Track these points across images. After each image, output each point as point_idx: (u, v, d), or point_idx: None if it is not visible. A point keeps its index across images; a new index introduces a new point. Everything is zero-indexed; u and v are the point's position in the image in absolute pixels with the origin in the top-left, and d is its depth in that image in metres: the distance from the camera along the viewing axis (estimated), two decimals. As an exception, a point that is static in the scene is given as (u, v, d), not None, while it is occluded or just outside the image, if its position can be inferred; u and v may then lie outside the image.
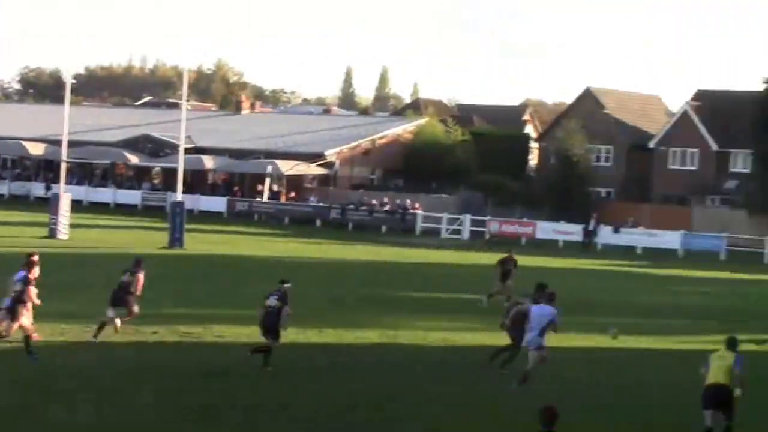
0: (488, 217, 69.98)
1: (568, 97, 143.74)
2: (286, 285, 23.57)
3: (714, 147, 76.88)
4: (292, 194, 77.77)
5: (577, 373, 24.63)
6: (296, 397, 20.76)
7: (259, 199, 76.81)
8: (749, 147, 70.94)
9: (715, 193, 76.05)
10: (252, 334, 24.97)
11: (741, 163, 76.31)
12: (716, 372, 18.14)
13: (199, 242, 52.21)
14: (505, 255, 35.29)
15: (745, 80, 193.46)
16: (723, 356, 18.44)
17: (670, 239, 63.80)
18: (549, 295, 22.64)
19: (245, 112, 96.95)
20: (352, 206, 73.10)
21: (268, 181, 77.50)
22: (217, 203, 76.46)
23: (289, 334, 24.30)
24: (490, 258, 39.71)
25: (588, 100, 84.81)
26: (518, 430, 18.59)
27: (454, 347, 27.63)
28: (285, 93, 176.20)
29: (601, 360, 26.73)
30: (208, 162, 79.87)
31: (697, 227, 68.35)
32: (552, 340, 22.73)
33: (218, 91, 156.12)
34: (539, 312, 22.16)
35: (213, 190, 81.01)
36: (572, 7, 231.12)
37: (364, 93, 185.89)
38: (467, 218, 69.99)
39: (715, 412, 18.06)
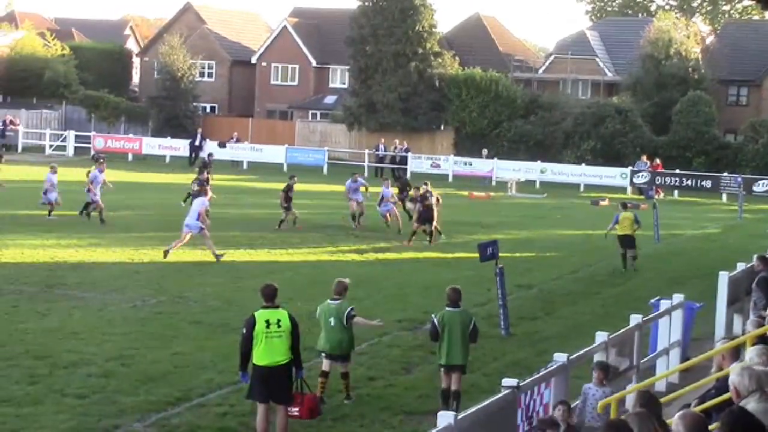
0: (93, 133, 68.89)
1: (169, 13, 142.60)
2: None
3: (313, 63, 79.15)
4: None
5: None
6: None
7: None
8: (346, 63, 73.43)
9: (315, 108, 78.42)
10: None
11: (339, 78, 79.09)
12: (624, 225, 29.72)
13: None
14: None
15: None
16: (627, 216, 29.80)
17: (275, 153, 65.30)
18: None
19: None
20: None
21: None
22: None
23: None
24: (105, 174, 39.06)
25: (189, 15, 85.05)
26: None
27: (61, 263, 27.47)
28: None
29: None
30: None
31: (299, 141, 70.50)
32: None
33: None
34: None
35: None
36: None
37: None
38: (71, 134, 68.55)
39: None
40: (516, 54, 79.84)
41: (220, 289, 24.74)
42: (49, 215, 35.25)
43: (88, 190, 35.08)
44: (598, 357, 15.14)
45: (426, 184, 35.57)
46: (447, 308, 16.13)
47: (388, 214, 36.05)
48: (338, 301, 16.47)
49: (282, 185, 36.59)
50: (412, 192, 36.36)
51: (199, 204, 29.18)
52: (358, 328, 17.00)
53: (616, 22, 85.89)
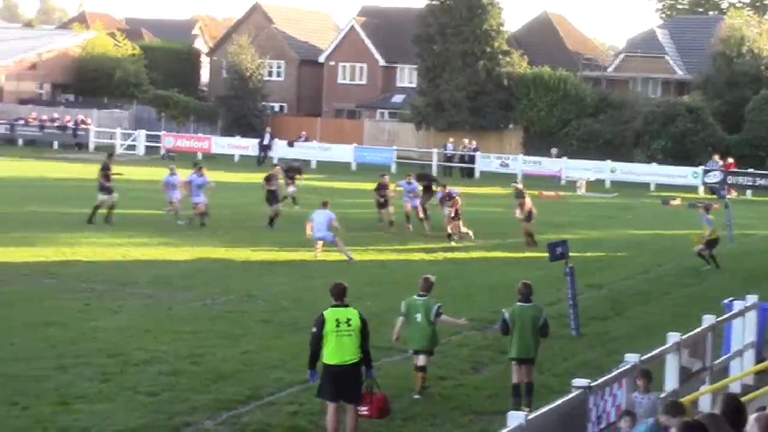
0: (162, 132, 69.52)
1: (237, 13, 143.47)
2: None
3: (381, 62, 79.21)
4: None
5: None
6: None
7: None
8: (414, 62, 73.37)
9: (383, 107, 78.47)
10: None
11: (407, 77, 79.05)
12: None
13: None
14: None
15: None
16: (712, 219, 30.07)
17: (343, 152, 65.39)
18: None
19: None
20: (21, 121, 70.67)
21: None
22: None
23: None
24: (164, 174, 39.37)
25: (257, 15, 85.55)
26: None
27: (132, 262, 27.71)
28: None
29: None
30: None
31: (368, 141, 70.53)
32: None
33: None
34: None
35: None
36: None
37: (27, 5, 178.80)
38: (141, 133, 69.24)
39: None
40: (585, 52, 79.29)
41: (288, 288, 24.82)
42: (178, 216, 35.35)
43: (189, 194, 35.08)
44: (670, 358, 14.95)
45: (516, 182, 35.74)
46: (518, 303, 16.34)
47: (409, 207, 35.65)
48: (425, 298, 16.77)
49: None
50: (438, 189, 35.70)
51: (326, 216, 29.41)
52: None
53: (686, 20, 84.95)
